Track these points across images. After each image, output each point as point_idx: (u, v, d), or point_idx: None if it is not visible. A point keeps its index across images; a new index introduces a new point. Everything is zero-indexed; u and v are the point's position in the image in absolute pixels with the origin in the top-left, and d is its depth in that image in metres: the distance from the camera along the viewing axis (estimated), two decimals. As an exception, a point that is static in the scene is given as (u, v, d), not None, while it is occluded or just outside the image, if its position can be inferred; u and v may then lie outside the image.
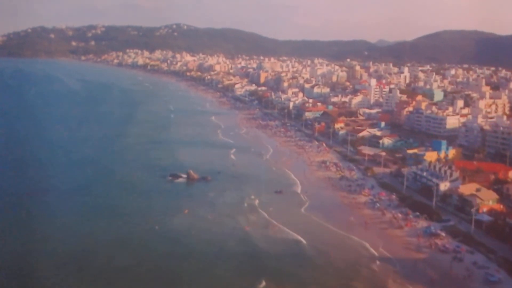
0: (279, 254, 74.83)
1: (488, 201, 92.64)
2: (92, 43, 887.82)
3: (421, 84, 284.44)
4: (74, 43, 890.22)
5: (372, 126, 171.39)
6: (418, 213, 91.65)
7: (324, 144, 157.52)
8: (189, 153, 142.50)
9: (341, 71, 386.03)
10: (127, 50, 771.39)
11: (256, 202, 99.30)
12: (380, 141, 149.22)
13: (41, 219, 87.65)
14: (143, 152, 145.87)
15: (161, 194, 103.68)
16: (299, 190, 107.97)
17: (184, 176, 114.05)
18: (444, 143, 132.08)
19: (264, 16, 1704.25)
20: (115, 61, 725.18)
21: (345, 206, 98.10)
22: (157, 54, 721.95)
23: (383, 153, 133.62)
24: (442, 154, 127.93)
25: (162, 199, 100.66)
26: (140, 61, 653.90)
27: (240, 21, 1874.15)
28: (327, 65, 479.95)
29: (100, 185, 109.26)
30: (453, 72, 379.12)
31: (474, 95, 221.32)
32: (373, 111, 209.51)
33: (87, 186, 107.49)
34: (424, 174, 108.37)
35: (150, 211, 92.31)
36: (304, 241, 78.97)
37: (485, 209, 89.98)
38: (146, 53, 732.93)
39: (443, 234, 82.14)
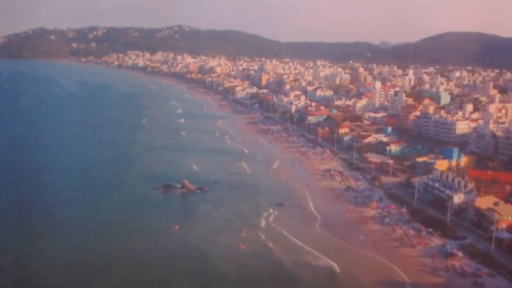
0: (310, 277, 67.91)
1: (507, 216, 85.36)
2: (93, 44, 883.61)
3: (426, 87, 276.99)
4: (74, 45, 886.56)
5: (378, 131, 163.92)
6: (431, 229, 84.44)
7: (328, 151, 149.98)
8: (191, 159, 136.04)
9: (344, 73, 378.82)
10: (128, 52, 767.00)
11: (266, 215, 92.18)
12: (387, 148, 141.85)
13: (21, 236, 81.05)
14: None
15: (152, 208, 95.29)
16: (307, 203, 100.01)
17: (179, 186, 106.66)
18: (455, 150, 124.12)
19: (266, 18, 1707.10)
20: (115, 62, 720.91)
21: (352, 221, 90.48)
22: (158, 55, 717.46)
23: (391, 161, 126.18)
24: (454, 163, 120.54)
25: (152, 213, 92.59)
26: (141, 63, 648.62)
27: (242, 22, 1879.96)
28: (330, 67, 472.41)
29: (90, 197, 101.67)
30: (457, 74, 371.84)
31: (483, 98, 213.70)
32: (379, 115, 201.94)
33: (74, 200, 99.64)
34: (436, 185, 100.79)
35: (138, 228, 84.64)
36: (334, 264, 71.10)
37: (504, 225, 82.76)
38: (147, 55, 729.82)
39: (460, 254, 74.84)
